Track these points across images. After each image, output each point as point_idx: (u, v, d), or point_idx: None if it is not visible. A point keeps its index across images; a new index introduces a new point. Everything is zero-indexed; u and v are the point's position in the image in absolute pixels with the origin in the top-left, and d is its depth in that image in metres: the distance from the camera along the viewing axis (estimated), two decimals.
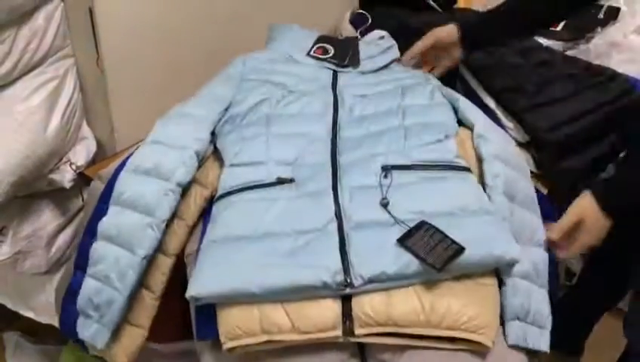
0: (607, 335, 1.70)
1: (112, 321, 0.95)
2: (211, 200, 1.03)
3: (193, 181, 1.03)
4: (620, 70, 1.57)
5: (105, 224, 0.99)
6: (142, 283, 0.98)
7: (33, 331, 1.63)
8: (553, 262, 1.01)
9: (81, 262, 1.06)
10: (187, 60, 1.40)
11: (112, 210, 1.00)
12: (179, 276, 1.00)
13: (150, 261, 0.97)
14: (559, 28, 1.78)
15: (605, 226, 0.97)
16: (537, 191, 1.10)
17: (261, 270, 0.84)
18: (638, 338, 1.23)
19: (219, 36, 1.45)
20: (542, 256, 0.99)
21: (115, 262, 0.95)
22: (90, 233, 1.05)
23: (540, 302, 0.95)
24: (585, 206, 0.98)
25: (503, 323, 0.91)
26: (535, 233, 1.01)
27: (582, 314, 1.71)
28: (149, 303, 0.98)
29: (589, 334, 1.77)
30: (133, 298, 0.96)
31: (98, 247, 0.99)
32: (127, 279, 0.94)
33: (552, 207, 1.12)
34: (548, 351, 0.94)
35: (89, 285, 0.98)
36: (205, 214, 1.03)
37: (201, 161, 1.06)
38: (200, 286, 0.85)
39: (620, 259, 1.37)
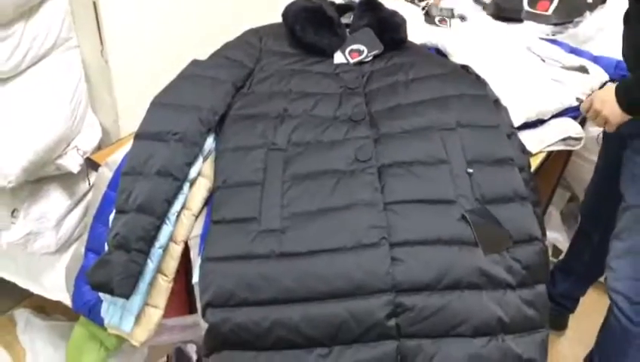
0: (591, 306, 1.77)
1: (136, 306, 1.01)
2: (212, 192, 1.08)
3: (198, 174, 1.07)
4: (605, 54, 1.61)
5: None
6: (157, 269, 1.03)
7: (42, 308, 1.70)
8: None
9: (92, 245, 1.13)
10: (189, 51, 1.42)
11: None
12: (183, 257, 1.06)
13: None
14: (549, 12, 1.77)
15: (618, 113, 1.23)
16: None
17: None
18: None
19: (222, 27, 1.46)
20: None
21: None
22: (100, 219, 1.11)
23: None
24: (607, 91, 1.26)
25: None
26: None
27: (569, 287, 1.78)
28: (164, 286, 1.04)
29: (574, 308, 1.84)
30: (150, 282, 1.02)
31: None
32: (147, 267, 1.00)
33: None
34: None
35: None
36: (208, 203, 1.08)
37: (207, 155, 1.10)
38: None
39: (604, 234, 1.45)
